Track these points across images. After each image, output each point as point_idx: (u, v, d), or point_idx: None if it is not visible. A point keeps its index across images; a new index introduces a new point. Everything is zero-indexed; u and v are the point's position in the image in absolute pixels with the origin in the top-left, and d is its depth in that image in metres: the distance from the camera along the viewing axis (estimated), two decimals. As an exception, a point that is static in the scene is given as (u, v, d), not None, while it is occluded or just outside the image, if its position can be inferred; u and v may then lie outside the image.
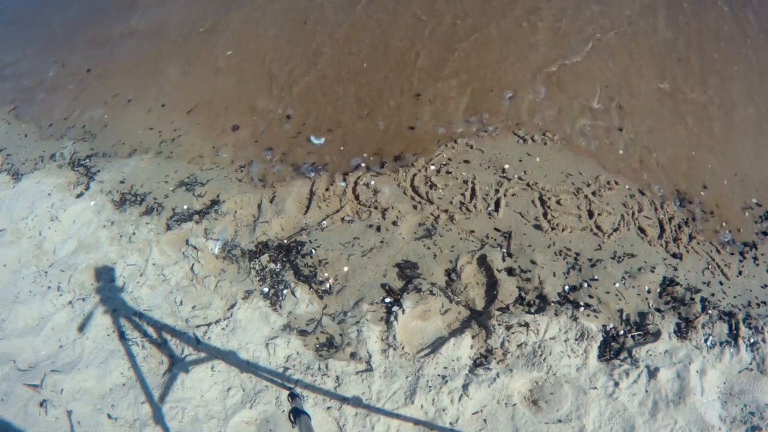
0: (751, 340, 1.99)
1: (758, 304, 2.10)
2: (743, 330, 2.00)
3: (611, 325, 2.05)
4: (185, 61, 3.82)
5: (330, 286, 2.30)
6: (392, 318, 2.11)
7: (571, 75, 3.05)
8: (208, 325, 2.23)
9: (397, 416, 1.87)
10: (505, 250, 2.30)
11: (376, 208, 2.55)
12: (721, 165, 2.62)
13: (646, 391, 1.87)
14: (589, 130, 2.78)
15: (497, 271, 2.22)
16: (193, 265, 2.47)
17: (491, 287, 2.21)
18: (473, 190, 2.55)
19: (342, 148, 2.89)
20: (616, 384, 1.88)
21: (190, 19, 4.20)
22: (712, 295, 2.13)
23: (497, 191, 2.52)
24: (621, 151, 2.68)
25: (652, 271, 2.18)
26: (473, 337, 2.05)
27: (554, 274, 2.20)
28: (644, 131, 2.77)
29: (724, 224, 2.39)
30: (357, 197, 2.62)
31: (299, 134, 3.00)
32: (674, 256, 2.26)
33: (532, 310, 2.10)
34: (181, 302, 2.34)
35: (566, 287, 2.16)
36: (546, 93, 2.97)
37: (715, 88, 2.98)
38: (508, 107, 2.92)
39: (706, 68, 3.10)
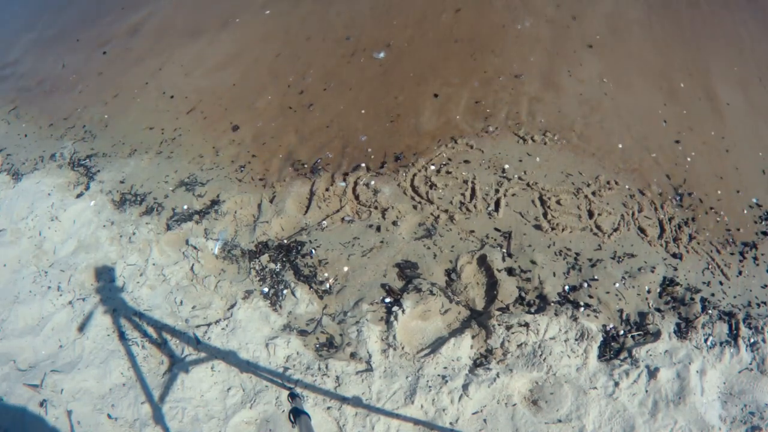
0: (751, 340, 1.98)
1: (758, 304, 2.10)
2: (743, 330, 2.00)
3: (611, 325, 2.05)
4: (187, 59, 3.82)
5: (330, 286, 2.30)
6: (392, 318, 2.11)
7: (571, 74, 3.05)
8: (208, 325, 2.23)
9: (397, 416, 1.87)
10: (505, 250, 2.30)
11: (376, 208, 2.55)
12: (721, 164, 2.62)
13: (646, 391, 1.87)
14: (589, 129, 2.78)
15: (497, 271, 2.22)
16: (193, 265, 2.47)
17: (491, 287, 2.21)
18: (473, 190, 2.55)
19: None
20: (616, 384, 1.87)
21: (194, 18, 4.20)
22: (712, 295, 2.13)
23: (497, 191, 2.52)
24: (621, 151, 2.68)
25: (652, 271, 2.18)
26: (473, 337, 2.05)
27: (554, 274, 2.20)
28: (644, 131, 2.76)
29: (723, 224, 2.39)
30: (357, 197, 2.62)
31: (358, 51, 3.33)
32: (674, 256, 2.26)
33: (532, 310, 2.10)
34: (181, 302, 2.34)
35: (566, 287, 2.16)
36: (545, 92, 2.96)
37: (714, 85, 2.98)
38: (509, 106, 2.92)
39: (706, 66, 3.10)
